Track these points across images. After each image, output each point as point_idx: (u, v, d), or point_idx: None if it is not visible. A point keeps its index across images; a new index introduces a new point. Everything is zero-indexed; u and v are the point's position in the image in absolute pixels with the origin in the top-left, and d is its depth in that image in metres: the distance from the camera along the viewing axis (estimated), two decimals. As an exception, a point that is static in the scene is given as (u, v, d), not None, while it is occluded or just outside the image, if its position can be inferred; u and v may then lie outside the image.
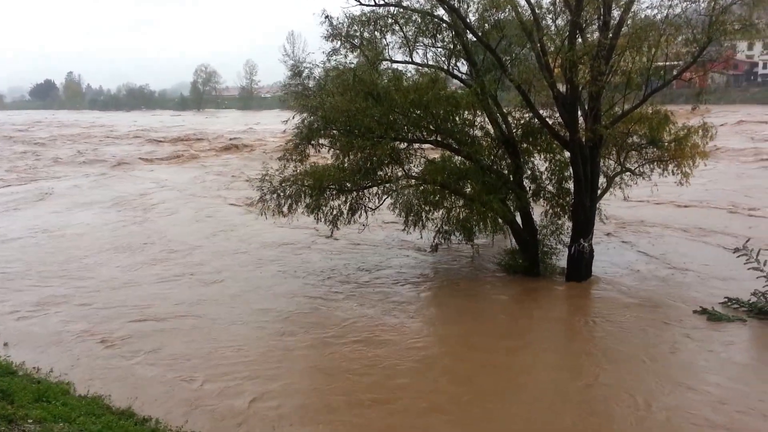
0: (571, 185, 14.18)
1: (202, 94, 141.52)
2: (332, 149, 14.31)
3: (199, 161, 40.20)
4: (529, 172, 14.80)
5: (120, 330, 11.51)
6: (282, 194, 13.67)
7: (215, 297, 13.46)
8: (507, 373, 9.88)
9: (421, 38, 14.24)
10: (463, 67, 14.94)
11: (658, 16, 12.62)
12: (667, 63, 13.59)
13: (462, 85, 14.73)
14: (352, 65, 13.95)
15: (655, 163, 14.77)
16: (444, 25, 13.99)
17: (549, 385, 9.32)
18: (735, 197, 22.87)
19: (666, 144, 14.33)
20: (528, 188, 14.68)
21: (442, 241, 14.50)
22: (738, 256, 12.30)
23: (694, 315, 11.82)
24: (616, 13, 12.65)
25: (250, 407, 8.59)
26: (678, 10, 12.36)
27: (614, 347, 10.67)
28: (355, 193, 14.04)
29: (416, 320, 12.02)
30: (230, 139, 49.30)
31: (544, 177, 14.89)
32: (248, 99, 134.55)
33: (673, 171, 14.67)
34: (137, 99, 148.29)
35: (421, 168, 14.24)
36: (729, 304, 12.11)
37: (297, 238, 18.35)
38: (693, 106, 13.86)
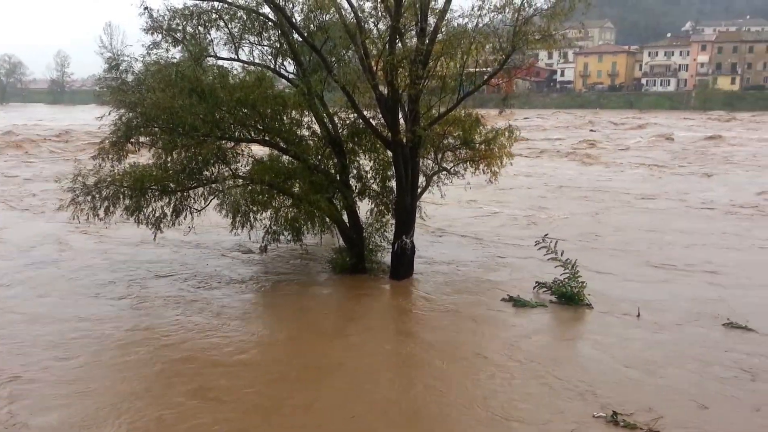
0: (393, 184, 14.65)
1: (5, 87, 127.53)
2: (154, 148, 13.49)
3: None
4: (354, 171, 15.09)
5: None
6: (98, 196, 12.65)
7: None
8: (330, 372, 9.87)
9: (247, 36, 13.92)
10: (290, 66, 14.84)
11: (469, 25, 13.40)
12: (478, 69, 14.49)
13: (289, 84, 14.60)
14: (175, 60, 13.26)
15: (468, 163, 15.68)
16: (270, 23, 13.79)
17: (367, 380, 9.59)
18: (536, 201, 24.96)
19: (477, 145, 15.27)
20: (354, 187, 14.96)
21: (271, 241, 14.29)
22: (539, 248, 13.47)
23: (502, 302, 12.82)
24: (432, 21, 13.19)
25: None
26: (486, 20, 13.16)
27: (430, 337, 11.33)
28: (179, 194, 13.39)
29: (240, 321, 11.78)
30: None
31: (369, 176, 15.27)
32: (59, 93, 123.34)
33: (483, 170, 15.68)
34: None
35: (248, 167, 13.93)
36: (538, 289, 13.24)
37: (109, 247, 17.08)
38: (500, 109, 14.95)
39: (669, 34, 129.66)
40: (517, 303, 12.68)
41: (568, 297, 12.66)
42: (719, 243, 18.11)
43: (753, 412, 8.29)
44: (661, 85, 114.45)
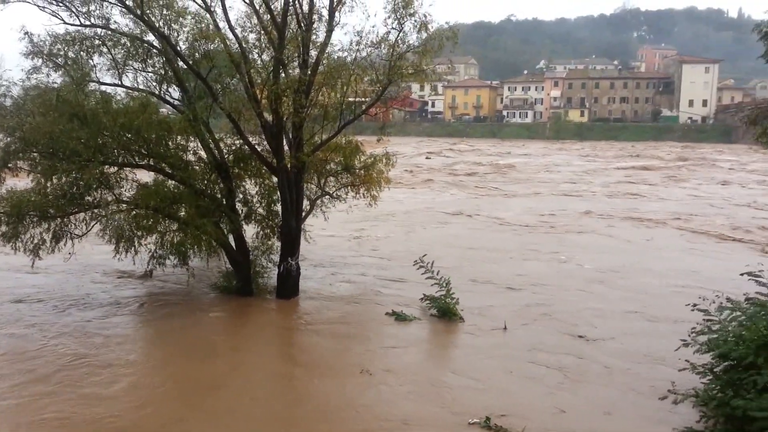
0: (279, 208, 14.95)
1: None
2: (33, 173, 12.91)
3: None
4: (241, 195, 15.25)
5: None
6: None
7: None
8: (210, 391, 9.93)
9: (130, 62, 13.78)
10: (175, 93, 14.81)
11: (349, 58, 14.11)
12: (357, 99, 15.21)
13: (174, 110, 14.55)
14: (56, 85, 12.85)
15: (350, 187, 16.31)
16: (154, 50, 13.74)
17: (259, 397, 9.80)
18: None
19: (357, 170, 15.95)
20: (240, 211, 15.10)
21: (157, 266, 14.05)
22: (417, 268, 14.21)
23: (383, 318, 13.46)
24: (313, 53, 13.76)
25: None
26: (364, 53, 13.94)
27: (312, 354, 11.76)
28: (59, 220, 12.87)
29: (119, 346, 11.54)
30: None
31: (255, 200, 15.48)
32: None
33: (363, 194, 16.35)
34: None
35: (133, 192, 13.67)
36: (424, 301, 13.86)
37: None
38: (378, 137, 15.77)
39: (525, 71, 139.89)
40: (399, 317, 13.38)
41: (445, 311, 13.48)
42: (528, 257, 19.76)
43: (604, 415, 9.17)
44: (519, 116, 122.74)
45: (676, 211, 29.07)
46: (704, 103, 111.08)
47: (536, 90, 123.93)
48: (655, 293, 15.55)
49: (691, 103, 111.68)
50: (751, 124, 11.83)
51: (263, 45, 13.83)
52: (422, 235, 23.03)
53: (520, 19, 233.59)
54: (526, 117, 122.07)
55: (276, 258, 14.96)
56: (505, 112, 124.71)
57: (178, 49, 13.65)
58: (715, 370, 8.61)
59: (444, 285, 13.64)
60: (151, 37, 13.61)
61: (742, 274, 9.49)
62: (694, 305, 9.16)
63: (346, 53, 14.18)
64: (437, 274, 13.85)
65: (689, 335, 8.95)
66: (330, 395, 9.83)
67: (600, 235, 23.79)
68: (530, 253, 20.28)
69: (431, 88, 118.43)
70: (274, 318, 14.12)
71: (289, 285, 14.63)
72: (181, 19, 13.74)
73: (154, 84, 14.35)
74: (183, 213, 13.78)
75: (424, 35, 13.85)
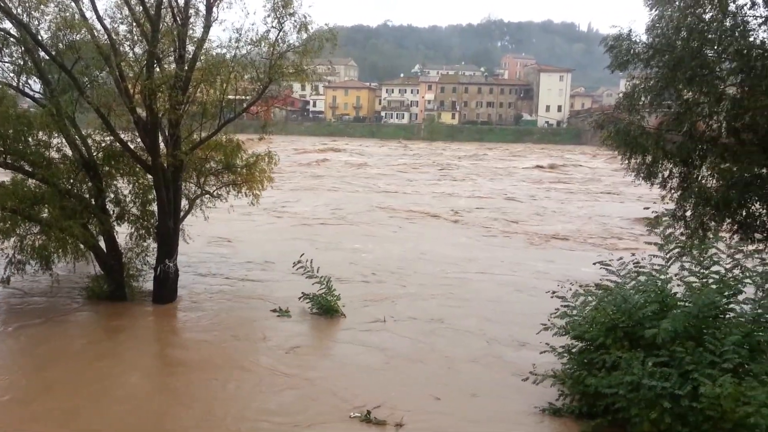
0: (155, 207, 14.11)
1: None
2: None
3: None
4: (112, 195, 14.20)
5: None
6: None
7: None
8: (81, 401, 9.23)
9: (-18, 50, 12.35)
10: (36, 85, 13.48)
11: (228, 55, 13.61)
12: (237, 97, 14.72)
13: (35, 104, 13.26)
14: None
15: (231, 186, 15.75)
16: (12, 39, 12.43)
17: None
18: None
19: (239, 169, 15.43)
20: (112, 211, 14.07)
21: (16, 272, 12.74)
22: (297, 268, 13.88)
23: (265, 315, 13.17)
24: (191, 48, 13.13)
25: None
26: (244, 51, 13.51)
27: (191, 356, 11.22)
28: None
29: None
30: None
31: (128, 200, 14.47)
32: None
33: (246, 193, 15.85)
34: None
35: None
36: (303, 299, 13.50)
37: None
38: (260, 136, 15.36)
39: (402, 74, 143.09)
40: (282, 314, 13.10)
41: (326, 308, 13.33)
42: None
43: (471, 397, 9.52)
44: (397, 117, 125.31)
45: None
46: (559, 108, 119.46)
47: (412, 93, 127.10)
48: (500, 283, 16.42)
49: (548, 108, 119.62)
50: (598, 128, 12.78)
51: (135, 38, 12.96)
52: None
53: (396, 24, 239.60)
54: (403, 118, 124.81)
55: (152, 260, 14.11)
56: (383, 113, 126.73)
57: (39, 38, 12.45)
58: (572, 351, 9.17)
59: (325, 283, 13.51)
60: (8, 24, 12.31)
61: (594, 264, 10.10)
62: (554, 292, 9.67)
63: (225, 50, 13.69)
64: (317, 271, 13.68)
65: (549, 320, 9.44)
66: (208, 393, 9.46)
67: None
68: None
69: (312, 88, 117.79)
70: (150, 322, 13.27)
71: (166, 288, 13.84)
72: (42, 6, 12.55)
73: (12, 75, 13.00)
74: (46, 214, 12.61)
75: (305, 35, 13.68)
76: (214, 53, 13.63)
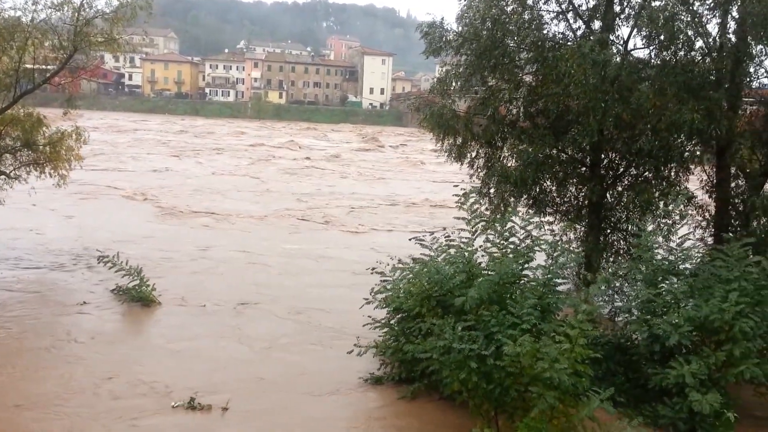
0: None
1: None
2: None
3: None
4: None
5: None
6: None
7: None
8: None
9: None
10: None
11: (24, 19, 12.10)
12: (37, 66, 13.19)
13: None
14: None
15: (32, 166, 14.04)
16: None
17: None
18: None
19: (42, 147, 13.81)
20: None
21: None
22: (105, 263, 12.75)
23: (73, 307, 12.03)
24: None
25: None
26: (43, 15, 12.11)
27: None
28: None
29: None
30: None
31: None
32: None
33: (50, 173, 14.24)
34: None
35: None
36: (117, 291, 12.56)
37: None
38: (65, 110, 13.85)
39: (227, 50, 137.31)
40: (91, 305, 12.04)
41: (140, 298, 12.28)
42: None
43: (298, 375, 9.53)
44: (222, 95, 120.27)
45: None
46: (382, 91, 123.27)
47: (237, 69, 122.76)
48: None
49: (371, 90, 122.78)
50: (415, 111, 13.42)
51: None
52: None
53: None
54: (229, 96, 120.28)
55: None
56: (207, 90, 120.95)
57: None
58: (391, 322, 9.57)
59: (137, 274, 12.45)
60: None
61: (410, 239, 10.48)
62: (373, 269, 9.90)
63: (20, 12, 12.11)
64: (126, 263, 12.57)
65: (371, 294, 9.70)
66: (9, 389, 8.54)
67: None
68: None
69: (126, 60, 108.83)
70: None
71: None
72: None
73: None
74: None
75: (115, 2, 12.56)
76: (6, 15, 12.05)
